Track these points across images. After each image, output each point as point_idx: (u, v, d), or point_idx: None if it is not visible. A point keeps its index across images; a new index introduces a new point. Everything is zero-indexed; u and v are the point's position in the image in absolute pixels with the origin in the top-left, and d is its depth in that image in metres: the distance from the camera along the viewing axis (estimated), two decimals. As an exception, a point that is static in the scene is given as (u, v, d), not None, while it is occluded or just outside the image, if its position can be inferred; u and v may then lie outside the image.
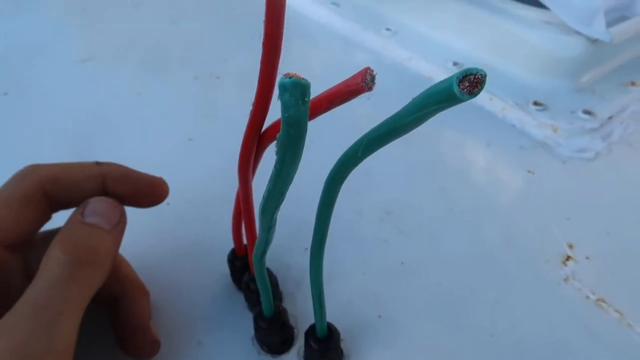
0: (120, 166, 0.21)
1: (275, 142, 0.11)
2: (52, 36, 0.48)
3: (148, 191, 0.21)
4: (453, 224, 0.29)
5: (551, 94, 0.38)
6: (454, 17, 0.42)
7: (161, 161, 0.33)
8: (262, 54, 0.15)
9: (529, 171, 0.33)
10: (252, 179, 0.19)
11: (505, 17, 0.40)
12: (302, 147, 0.11)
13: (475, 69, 0.09)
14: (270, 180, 0.13)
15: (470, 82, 0.09)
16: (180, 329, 0.24)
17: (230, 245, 0.25)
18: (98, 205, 0.19)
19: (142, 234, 0.27)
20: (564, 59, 0.38)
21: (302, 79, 0.09)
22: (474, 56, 0.41)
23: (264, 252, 0.18)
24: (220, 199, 0.29)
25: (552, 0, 0.37)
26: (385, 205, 0.30)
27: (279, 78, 0.09)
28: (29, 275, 0.19)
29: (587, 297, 0.25)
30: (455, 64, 0.41)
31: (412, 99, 0.10)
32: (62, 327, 0.16)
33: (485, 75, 0.09)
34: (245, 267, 0.25)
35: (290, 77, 0.09)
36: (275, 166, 0.12)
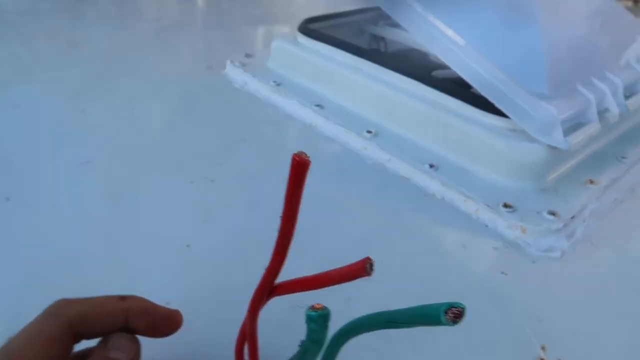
0: (141, 300, 0.24)
1: (300, 344, 0.14)
2: (52, 138, 0.50)
3: (165, 323, 0.24)
4: (429, 332, 0.32)
5: (519, 195, 0.41)
6: (430, 123, 0.46)
7: (159, 268, 0.35)
8: (280, 226, 0.17)
9: (502, 272, 0.36)
10: (259, 313, 0.22)
11: (475, 125, 0.44)
12: (321, 349, 0.14)
13: (457, 303, 0.12)
14: None
15: (454, 314, 0.12)
16: None
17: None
18: (119, 341, 0.22)
19: (142, 348, 0.29)
20: (528, 163, 0.42)
21: (324, 308, 0.12)
22: (449, 159, 0.45)
23: None
24: (220, 309, 0.32)
25: (515, 113, 0.41)
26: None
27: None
28: None
29: (561, 401, 0.28)
30: (431, 165, 0.44)
31: (407, 309, 0.13)
32: None
33: (465, 308, 0.12)
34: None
35: (315, 310, 0.12)
36: (300, 356, 0.15)
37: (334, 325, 0.19)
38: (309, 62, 0.57)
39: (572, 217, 0.40)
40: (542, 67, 0.43)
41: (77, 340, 0.22)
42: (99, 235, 0.38)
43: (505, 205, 0.40)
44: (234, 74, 0.62)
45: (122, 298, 0.23)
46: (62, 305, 0.22)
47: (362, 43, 0.68)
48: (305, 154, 0.14)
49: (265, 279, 0.20)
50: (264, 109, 0.56)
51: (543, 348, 0.31)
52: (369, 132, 0.49)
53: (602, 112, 0.47)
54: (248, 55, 0.65)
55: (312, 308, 0.13)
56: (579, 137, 0.42)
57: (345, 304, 0.32)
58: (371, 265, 0.15)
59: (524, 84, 0.42)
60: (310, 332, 0.13)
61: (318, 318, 0.13)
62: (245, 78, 0.60)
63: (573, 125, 0.44)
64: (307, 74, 0.57)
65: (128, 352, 0.22)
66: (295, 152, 0.14)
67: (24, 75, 0.64)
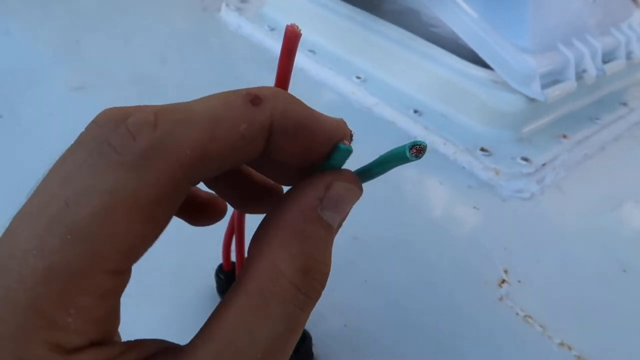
0: (292, 106, 0.14)
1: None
2: (45, 64, 0.51)
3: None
4: (409, 250, 0.34)
5: (495, 142, 0.44)
6: (417, 71, 0.48)
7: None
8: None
9: (474, 207, 0.38)
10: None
11: (459, 74, 0.46)
12: None
13: (420, 141, 0.14)
14: None
15: (417, 150, 0.14)
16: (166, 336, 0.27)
17: (216, 261, 0.29)
18: (342, 192, 0.14)
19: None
20: (506, 113, 0.44)
21: (350, 146, 0.14)
22: (432, 105, 0.47)
23: None
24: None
25: (497, 64, 0.43)
26: (352, 232, 0.35)
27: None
28: None
29: (517, 314, 0.31)
30: (415, 111, 0.46)
31: (380, 157, 0.15)
32: None
33: (426, 146, 0.14)
34: (230, 281, 0.29)
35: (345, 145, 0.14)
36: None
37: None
38: (304, 9, 0.58)
39: (544, 165, 0.42)
40: (526, 21, 0.45)
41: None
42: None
43: (482, 150, 0.42)
44: (229, 17, 0.62)
45: (255, 100, 0.13)
46: (162, 137, 0.12)
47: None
48: (297, 26, 0.16)
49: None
50: (257, 52, 0.57)
51: (505, 271, 0.33)
52: (358, 77, 0.51)
53: (580, 73, 0.49)
54: (243, 0, 0.65)
55: (343, 142, 0.15)
56: (556, 91, 0.45)
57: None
58: (351, 136, 0.17)
59: (508, 36, 0.44)
60: (332, 160, 0.15)
61: (344, 151, 0.15)
62: (239, 21, 0.61)
63: (552, 81, 0.46)
64: (301, 20, 0.58)
65: (344, 211, 0.14)
66: (288, 24, 0.16)
67: (10, 8, 0.64)
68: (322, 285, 0.14)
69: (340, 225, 0.15)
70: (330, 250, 0.14)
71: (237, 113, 0.13)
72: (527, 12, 0.46)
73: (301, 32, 0.16)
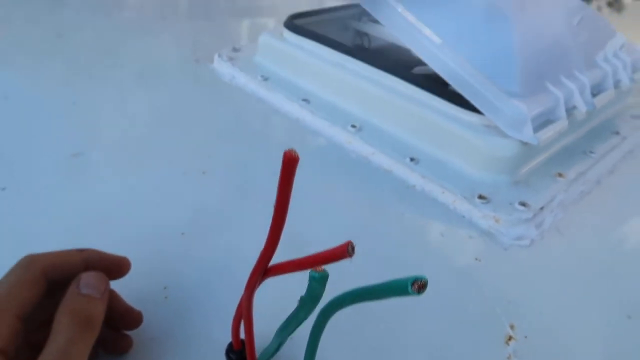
0: (96, 251, 0.28)
1: (299, 299, 0.17)
2: (44, 129, 0.52)
3: (117, 268, 0.29)
4: (413, 308, 0.34)
5: (493, 188, 0.44)
6: (411, 119, 0.49)
7: (157, 254, 0.37)
8: (274, 215, 0.20)
9: (476, 259, 0.39)
10: (255, 293, 0.24)
11: (453, 121, 0.47)
12: (317, 305, 0.17)
13: (421, 276, 0.14)
14: (291, 317, 0.18)
15: (419, 285, 0.14)
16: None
17: (226, 337, 0.29)
18: (89, 279, 0.25)
19: (142, 326, 0.31)
20: (501, 157, 0.45)
21: (324, 271, 0.15)
22: (428, 152, 0.48)
23: (270, 358, 0.23)
24: (215, 291, 0.34)
25: (487, 110, 0.44)
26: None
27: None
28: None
29: (526, 374, 0.31)
30: (412, 159, 0.47)
31: (381, 284, 0.16)
32: None
33: (427, 281, 0.14)
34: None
35: (318, 272, 0.15)
36: (297, 310, 0.17)
37: (321, 305, 0.21)
38: (295, 58, 0.59)
39: (541, 208, 0.43)
40: (513, 66, 0.46)
41: (49, 286, 0.26)
42: (91, 227, 0.40)
43: (480, 197, 0.43)
44: (222, 67, 0.63)
45: (81, 250, 0.28)
46: (34, 257, 0.26)
47: (346, 39, 0.70)
48: (295, 151, 0.17)
49: (260, 261, 0.22)
50: (251, 102, 0.58)
51: (512, 327, 0.34)
52: (353, 126, 0.51)
53: (570, 110, 0.50)
54: (235, 50, 0.67)
55: (315, 270, 0.16)
56: (548, 133, 0.45)
57: (331, 286, 0.35)
58: (352, 248, 0.17)
59: (497, 81, 0.45)
60: (310, 290, 0.16)
61: (319, 278, 0.16)
62: (233, 72, 0.62)
63: (543, 122, 0.47)
64: (293, 69, 0.59)
65: (98, 287, 0.25)
66: (287, 149, 0.17)
67: (10, 64, 0.65)
68: (85, 323, 0.24)
69: (103, 293, 0.25)
70: (99, 306, 0.25)
71: (72, 252, 0.28)
72: (513, 56, 0.47)
73: (298, 156, 0.17)
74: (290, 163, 0.17)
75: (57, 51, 0.69)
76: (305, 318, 0.19)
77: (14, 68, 0.64)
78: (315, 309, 0.19)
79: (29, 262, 0.25)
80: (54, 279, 0.26)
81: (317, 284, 0.17)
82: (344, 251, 0.18)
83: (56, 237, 0.38)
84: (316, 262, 0.19)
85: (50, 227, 0.40)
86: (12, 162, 0.47)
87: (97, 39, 0.75)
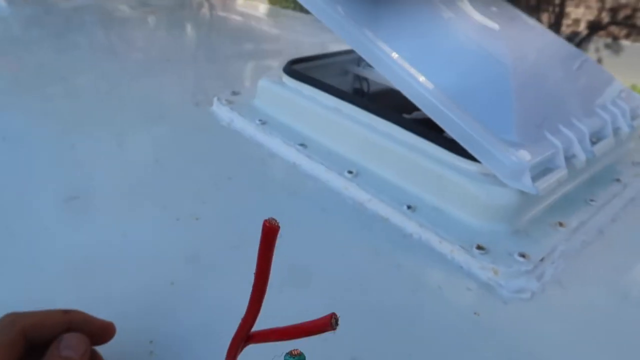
0: (81, 313, 0.28)
1: None
2: (41, 172, 0.51)
3: (101, 332, 0.29)
4: (411, 368, 0.33)
5: (491, 237, 0.43)
6: (408, 165, 0.49)
7: (145, 305, 0.36)
8: (254, 282, 0.19)
9: (475, 313, 0.37)
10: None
11: (450, 169, 0.46)
12: None
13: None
14: None
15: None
16: None
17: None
18: (70, 341, 0.26)
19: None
20: (500, 206, 0.44)
21: (301, 354, 0.14)
22: (426, 199, 0.47)
23: None
24: (200, 351, 0.33)
25: (485, 158, 0.44)
26: (351, 352, 0.34)
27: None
28: None
29: None
30: (409, 207, 0.46)
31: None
32: None
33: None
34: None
35: (293, 356, 0.14)
36: None
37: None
38: (293, 103, 0.59)
39: (542, 259, 0.42)
40: (511, 114, 0.46)
41: (28, 346, 0.25)
42: (80, 274, 0.39)
43: (479, 247, 0.42)
44: (221, 111, 0.64)
45: (66, 312, 0.27)
46: (15, 317, 0.25)
47: (346, 83, 0.71)
48: (275, 220, 0.16)
49: (241, 328, 0.21)
50: (249, 147, 0.58)
51: (512, 388, 0.32)
52: (350, 172, 0.51)
53: (570, 158, 0.49)
54: (235, 93, 0.67)
55: (290, 353, 0.16)
56: (547, 182, 0.45)
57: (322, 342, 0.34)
58: (336, 320, 0.17)
59: (494, 130, 0.45)
60: None
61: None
62: (231, 116, 0.62)
63: (542, 171, 0.46)
64: (291, 113, 0.60)
65: (78, 349, 0.25)
66: (266, 218, 0.16)
67: (12, 106, 0.65)
68: None
69: (82, 354, 0.25)
70: None
71: (56, 312, 0.27)
72: (511, 105, 0.47)
73: (278, 225, 0.16)
74: (270, 233, 0.17)
75: (60, 93, 0.70)
76: None
77: (15, 109, 0.64)
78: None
79: (9, 323, 0.25)
80: (35, 339, 0.26)
81: None
82: (327, 324, 0.17)
83: (42, 284, 0.38)
84: (298, 334, 0.18)
85: (37, 273, 0.39)
86: (3, 204, 0.46)
87: (100, 80, 0.76)
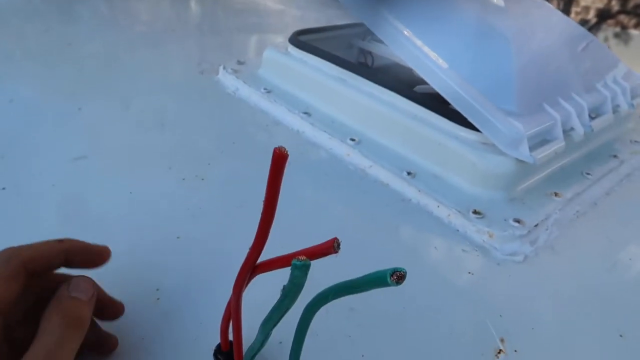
0: (75, 241, 0.29)
1: (282, 288, 0.17)
2: (49, 133, 0.52)
3: (97, 257, 0.30)
4: (406, 319, 0.34)
5: (488, 204, 0.45)
6: (409, 134, 0.50)
7: (152, 256, 0.38)
8: (262, 211, 0.20)
9: (469, 272, 0.39)
10: (243, 292, 0.24)
11: (451, 137, 0.47)
12: (299, 294, 0.17)
13: (400, 268, 0.14)
14: (275, 307, 0.18)
15: (398, 276, 0.14)
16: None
17: (216, 338, 0.29)
18: (79, 283, 0.26)
19: (132, 326, 0.31)
20: (497, 174, 0.45)
21: (307, 260, 0.15)
22: (425, 166, 0.49)
23: (256, 353, 0.23)
24: (207, 292, 0.34)
25: (485, 127, 0.45)
26: (349, 303, 0.35)
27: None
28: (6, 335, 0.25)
29: (514, 387, 0.31)
30: (409, 173, 0.48)
31: (362, 277, 0.16)
32: None
33: (406, 273, 0.15)
34: (228, 361, 0.29)
35: (300, 261, 0.15)
36: (281, 299, 0.17)
37: (307, 300, 0.21)
38: (298, 72, 0.60)
39: (536, 225, 0.43)
40: (512, 86, 0.47)
41: (29, 278, 0.26)
42: (92, 227, 0.40)
43: (475, 212, 0.43)
44: (226, 79, 0.64)
45: (60, 240, 0.28)
46: (13, 250, 0.26)
47: (350, 56, 0.71)
48: (284, 148, 0.17)
49: (248, 258, 0.22)
50: (253, 114, 0.59)
51: (502, 340, 0.34)
52: (352, 139, 0.52)
53: (568, 131, 0.50)
54: (240, 63, 0.68)
55: (297, 259, 0.16)
56: (544, 152, 0.46)
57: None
58: (338, 244, 0.18)
59: (495, 100, 0.46)
60: (293, 278, 0.17)
61: (302, 266, 0.16)
62: (236, 84, 0.63)
63: (540, 142, 0.47)
64: (296, 83, 0.60)
65: (87, 291, 0.26)
66: (276, 146, 0.17)
67: (19, 70, 0.66)
68: (74, 324, 0.24)
69: (91, 296, 0.26)
70: (87, 309, 0.26)
71: (52, 242, 0.28)
72: (512, 77, 0.47)
73: (287, 153, 0.17)
74: (279, 160, 0.18)
75: (66, 60, 0.71)
76: (288, 307, 0.19)
77: (22, 74, 0.65)
78: (298, 300, 0.20)
79: (9, 257, 0.26)
80: (34, 271, 0.26)
81: (300, 272, 0.17)
82: (330, 247, 0.18)
83: (51, 236, 0.39)
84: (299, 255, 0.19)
85: (46, 227, 0.40)
86: (13, 163, 0.48)
87: (106, 49, 0.77)
